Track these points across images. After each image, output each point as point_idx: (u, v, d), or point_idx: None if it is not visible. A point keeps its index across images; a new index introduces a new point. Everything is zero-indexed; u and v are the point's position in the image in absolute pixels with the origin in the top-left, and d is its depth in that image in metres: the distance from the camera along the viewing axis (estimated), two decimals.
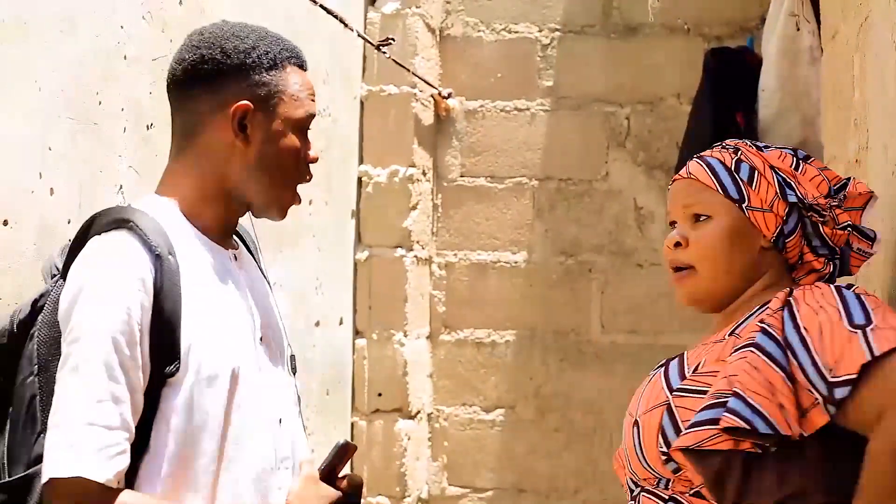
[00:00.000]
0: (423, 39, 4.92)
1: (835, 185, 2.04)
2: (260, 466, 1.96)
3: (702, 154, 2.11)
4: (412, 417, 4.80)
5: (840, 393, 1.76)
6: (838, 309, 1.83)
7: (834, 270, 2.06)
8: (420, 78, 4.80)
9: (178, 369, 1.87)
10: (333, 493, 2.03)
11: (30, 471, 1.83)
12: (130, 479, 1.85)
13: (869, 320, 1.80)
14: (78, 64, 2.52)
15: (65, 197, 2.45)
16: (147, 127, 2.83)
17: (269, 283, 2.18)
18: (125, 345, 1.82)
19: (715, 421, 1.81)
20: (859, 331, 1.79)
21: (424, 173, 5.00)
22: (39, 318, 1.91)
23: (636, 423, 1.98)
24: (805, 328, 1.83)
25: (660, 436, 1.92)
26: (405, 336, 4.79)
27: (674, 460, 1.90)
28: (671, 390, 1.94)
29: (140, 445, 1.85)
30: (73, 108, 2.49)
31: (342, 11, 3.91)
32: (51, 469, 1.76)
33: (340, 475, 2.10)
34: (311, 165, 2.07)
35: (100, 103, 2.60)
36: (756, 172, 2.04)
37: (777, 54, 4.02)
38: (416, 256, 4.89)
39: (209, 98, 2.00)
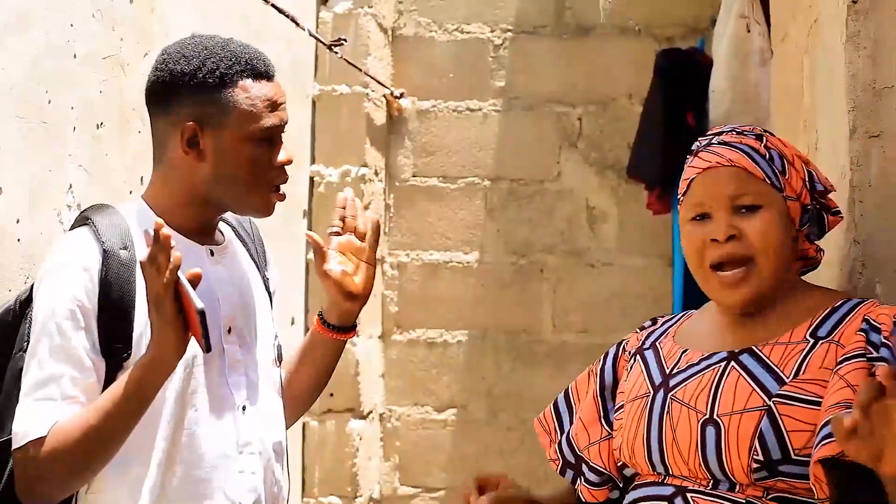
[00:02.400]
0: (376, 39, 4.92)
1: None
2: (218, 451, 2.07)
3: (725, 140, 2.01)
4: (364, 417, 4.80)
5: None
6: None
7: (816, 259, 2.06)
8: (372, 78, 4.80)
9: (130, 355, 2.01)
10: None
11: (9, 437, 1.99)
12: None
13: None
14: (28, 62, 2.49)
15: (15, 196, 2.43)
16: (97, 126, 2.81)
17: (264, 278, 2.29)
18: (70, 329, 1.98)
19: None
20: None
21: (377, 173, 5.01)
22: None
23: (713, 422, 1.90)
24: None
25: (756, 442, 1.85)
26: (357, 336, 4.74)
27: (765, 468, 1.84)
28: (769, 394, 1.87)
29: None
30: (22, 106, 2.47)
31: (294, 10, 3.89)
32: (13, 442, 1.95)
33: None
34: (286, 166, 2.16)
35: (49, 102, 2.57)
36: (785, 160, 1.98)
37: (727, 55, 4.06)
38: None
39: (164, 117, 2.13)
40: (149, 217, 2.08)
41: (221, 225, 2.25)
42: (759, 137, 2.00)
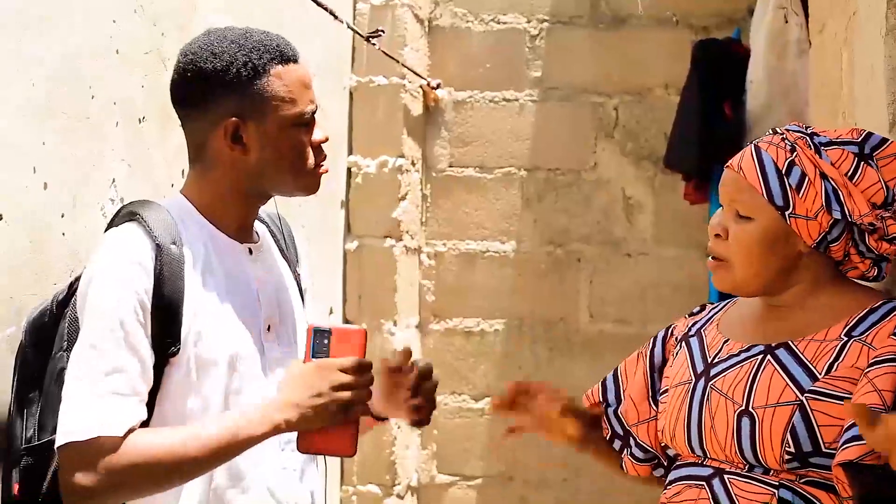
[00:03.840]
0: (412, 30, 4.92)
1: None
2: (263, 448, 2.05)
3: (758, 144, 2.07)
4: None
5: None
6: None
7: (879, 273, 2.06)
8: (409, 69, 4.80)
9: (178, 350, 2.02)
10: (319, 365, 2.00)
11: (52, 437, 1.96)
12: None
13: None
14: (70, 58, 2.51)
15: (58, 191, 2.45)
16: (139, 121, 2.83)
17: (296, 276, 2.30)
18: (131, 323, 1.97)
19: None
20: None
21: (413, 164, 5.01)
22: (73, 299, 2.07)
23: (748, 414, 1.97)
24: None
25: (788, 435, 1.92)
26: (395, 325, 4.81)
27: (796, 459, 1.91)
28: (801, 390, 1.94)
29: (145, 421, 1.98)
30: (65, 102, 2.49)
31: (332, 2, 3.91)
32: (65, 435, 1.91)
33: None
34: (323, 146, 2.18)
35: (92, 97, 2.59)
36: (806, 179, 2.00)
37: (765, 46, 4.04)
38: (405, 246, 4.91)
39: (202, 117, 2.11)
40: (191, 214, 2.11)
41: (256, 223, 2.26)
42: (792, 149, 2.02)
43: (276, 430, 1.97)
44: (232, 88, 2.08)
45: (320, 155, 2.17)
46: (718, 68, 4.38)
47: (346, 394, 1.97)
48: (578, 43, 5.15)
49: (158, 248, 2.02)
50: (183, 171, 3.01)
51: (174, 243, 2.04)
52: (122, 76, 2.76)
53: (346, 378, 1.97)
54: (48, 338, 2.06)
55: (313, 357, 2.00)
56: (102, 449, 1.90)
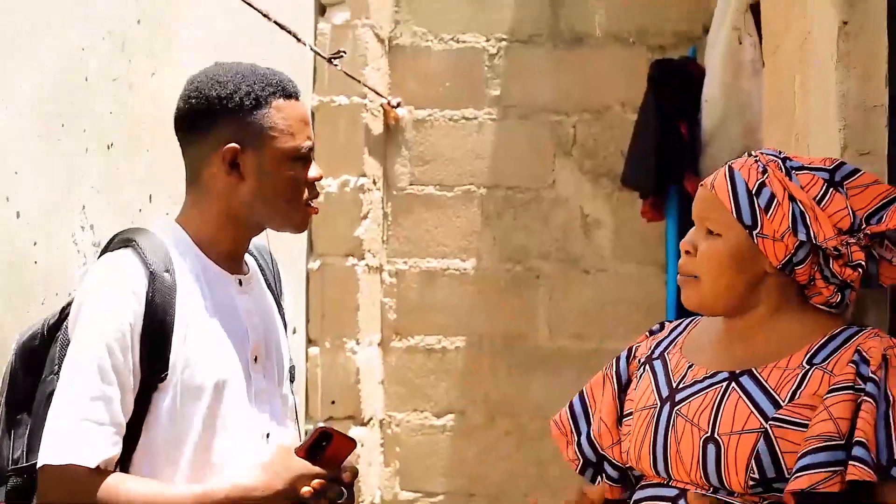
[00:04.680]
0: (373, 49, 4.97)
1: (876, 206, 2.06)
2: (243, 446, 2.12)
3: (732, 164, 2.12)
4: (365, 424, 4.85)
5: None
6: None
7: (842, 300, 2.10)
8: (370, 89, 4.85)
9: (167, 376, 2.06)
10: (305, 467, 2.05)
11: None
12: (124, 471, 2.05)
13: None
14: (42, 87, 2.56)
15: (30, 220, 2.50)
16: (108, 147, 2.88)
17: (279, 307, 2.34)
18: (118, 350, 2.02)
19: (831, 464, 1.89)
20: None
21: (375, 182, 5.05)
22: (64, 323, 2.12)
23: (714, 440, 2.01)
24: (894, 399, 1.92)
25: (752, 461, 1.97)
26: (357, 344, 4.84)
27: (760, 484, 1.96)
28: (765, 417, 1.98)
29: (132, 443, 2.05)
30: (37, 130, 2.53)
31: (294, 22, 3.95)
32: (44, 457, 1.97)
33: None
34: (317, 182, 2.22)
35: (63, 126, 2.64)
36: (775, 200, 2.05)
37: (720, 66, 4.11)
38: (367, 265, 4.93)
39: (202, 142, 2.16)
40: (185, 242, 2.16)
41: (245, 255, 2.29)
42: (764, 171, 2.08)
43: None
44: (233, 115, 2.12)
45: (313, 192, 2.21)
46: (674, 88, 4.45)
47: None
48: (537, 62, 5.21)
49: (152, 276, 2.06)
50: (150, 195, 3.06)
51: (167, 271, 2.08)
52: (91, 103, 2.80)
53: (307, 491, 2.02)
54: (38, 361, 2.10)
55: (307, 457, 2.06)
56: (75, 476, 1.96)
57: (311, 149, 2.19)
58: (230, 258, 2.21)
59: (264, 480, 2.03)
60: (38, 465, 1.98)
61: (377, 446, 5.06)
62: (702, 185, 2.15)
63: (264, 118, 2.13)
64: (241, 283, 2.22)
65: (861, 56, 2.34)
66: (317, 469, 2.05)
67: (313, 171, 2.20)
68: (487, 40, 5.22)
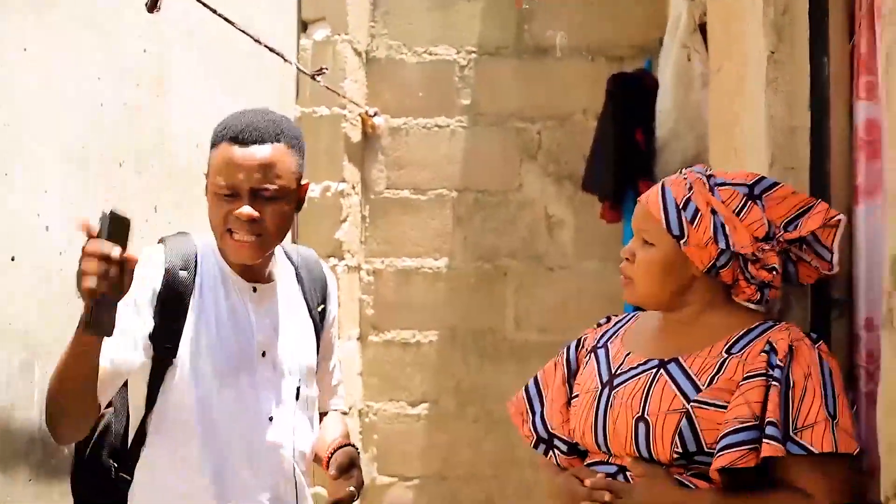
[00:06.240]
0: (351, 63, 5.09)
1: (793, 214, 2.27)
2: (250, 448, 2.42)
3: (664, 182, 2.34)
4: (345, 413, 5.00)
5: (794, 450, 2.13)
6: (822, 388, 2.18)
7: (762, 297, 2.33)
8: (349, 100, 4.97)
9: (175, 356, 2.37)
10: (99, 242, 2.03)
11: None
12: (142, 432, 2.40)
13: (834, 413, 2.15)
14: (66, 113, 2.76)
15: (57, 233, 2.70)
16: (119, 165, 3.08)
17: (313, 312, 2.59)
18: (133, 306, 2.32)
19: (747, 443, 2.13)
20: (832, 421, 2.14)
21: (354, 187, 5.16)
22: None
23: (644, 419, 2.23)
24: (794, 382, 2.17)
25: (676, 438, 2.20)
26: (338, 338, 4.87)
27: (683, 457, 2.20)
28: (687, 399, 2.21)
29: (151, 403, 2.38)
30: (62, 152, 2.74)
31: (278, 38, 4.12)
32: None
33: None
34: (246, 222, 2.37)
35: (83, 147, 2.85)
36: (699, 213, 2.26)
37: (672, 79, 4.27)
38: (346, 265, 5.04)
39: None
40: (213, 250, 2.45)
41: (283, 266, 2.56)
42: (690, 187, 2.30)
43: (79, 323, 2.08)
44: (210, 151, 2.42)
45: (236, 225, 2.37)
46: (630, 100, 4.61)
47: (88, 267, 1.99)
48: (504, 72, 5.34)
49: (167, 271, 2.37)
50: (155, 207, 3.29)
51: (184, 269, 2.39)
52: (106, 126, 2.99)
53: (93, 259, 2.00)
54: None
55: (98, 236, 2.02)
56: (102, 375, 2.22)
57: (237, 192, 2.35)
58: (240, 267, 2.47)
59: None
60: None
61: (356, 434, 5.14)
62: (639, 200, 2.38)
63: (213, 156, 2.40)
64: (255, 289, 2.48)
65: (787, 82, 2.53)
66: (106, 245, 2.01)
67: (241, 210, 2.36)
68: (458, 53, 5.36)
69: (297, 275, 2.61)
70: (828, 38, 2.49)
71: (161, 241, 2.45)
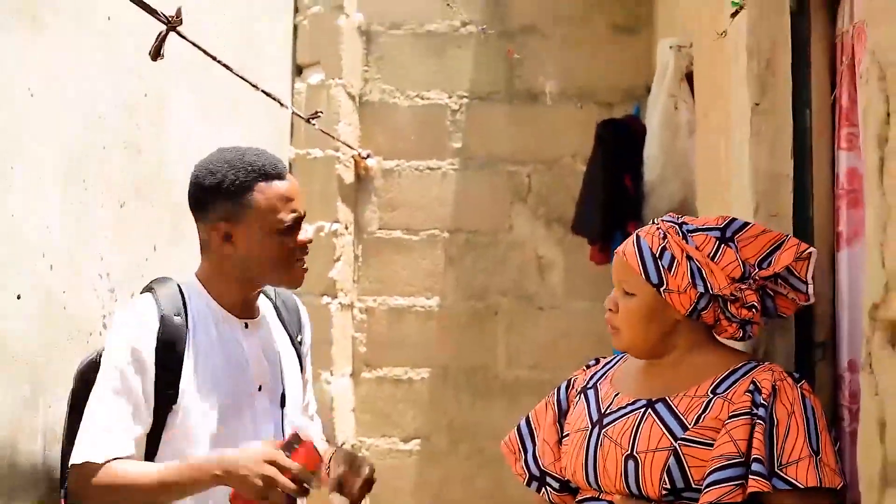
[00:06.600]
0: (345, 106, 5.16)
1: (766, 252, 2.31)
2: None
3: (638, 233, 2.38)
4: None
5: (780, 485, 2.18)
6: (805, 425, 2.21)
7: (745, 334, 2.37)
8: (343, 143, 5.03)
9: (177, 400, 2.43)
10: (281, 454, 2.30)
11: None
12: None
13: (818, 450, 2.19)
14: (68, 153, 2.80)
15: (61, 271, 2.75)
16: (120, 206, 3.12)
17: (295, 343, 2.70)
18: (129, 373, 2.40)
19: (733, 479, 2.17)
20: (815, 457, 2.20)
21: (347, 227, 5.20)
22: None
23: (633, 457, 2.28)
24: (778, 420, 2.22)
25: (665, 475, 2.24)
26: (331, 375, 4.98)
27: (672, 493, 2.25)
28: (675, 437, 2.26)
29: (153, 449, 2.43)
30: (64, 190, 2.78)
31: (273, 81, 4.16)
32: (72, 459, 2.37)
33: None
34: (307, 245, 2.57)
35: (86, 189, 2.89)
36: (675, 261, 2.31)
37: (659, 127, 4.30)
38: (340, 303, 5.09)
39: (203, 219, 2.56)
40: (199, 292, 2.53)
41: (263, 300, 2.65)
42: (664, 237, 2.36)
43: (214, 478, 2.33)
44: (223, 200, 2.49)
45: (302, 254, 2.56)
46: (618, 145, 4.64)
47: (268, 481, 2.27)
48: (495, 117, 5.41)
49: (163, 318, 2.44)
50: (155, 245, 3.34)
51: (177, 315, 2.46)
52: (106, 165, 3.02)
53: (276, 473, 2.28)
54: (91, 381, 2.46)
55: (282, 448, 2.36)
56: (88, 471, 2.34)
57: (299, 219, 2.52)
58: (237, 305, 2.58)
59: (246, 453, 2.33)
60: (69, 466, 2.38)
61: None
62: (616, 252, 2.44)
63: (249, 200, 2.48)
64: (246, 325, 2.58)
65: (770, 133, 2.58)
66: (289, 460, 2.31)
67: (302, 236, 2.55)
68: (450, 97, 5.43)
69: (275, 307, 2.71)
70: (810, 90, 2.54)
71: (148, 289, 2.53)
